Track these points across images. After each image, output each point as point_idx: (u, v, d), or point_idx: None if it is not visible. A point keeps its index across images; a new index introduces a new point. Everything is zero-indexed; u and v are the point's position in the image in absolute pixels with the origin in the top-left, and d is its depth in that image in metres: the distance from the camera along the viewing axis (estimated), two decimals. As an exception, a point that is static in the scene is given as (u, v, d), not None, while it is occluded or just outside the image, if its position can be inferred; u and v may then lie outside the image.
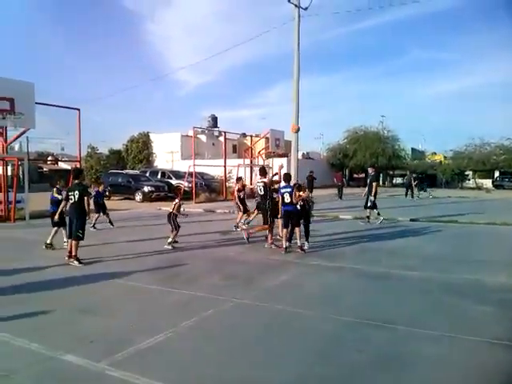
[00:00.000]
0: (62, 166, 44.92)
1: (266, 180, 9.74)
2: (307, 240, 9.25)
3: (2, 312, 4.96)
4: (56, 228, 9.44)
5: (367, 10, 62.15)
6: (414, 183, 26.37)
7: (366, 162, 40.51)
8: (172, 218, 9.58)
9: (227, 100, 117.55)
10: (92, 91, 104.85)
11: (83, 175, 10.02)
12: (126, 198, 24.25)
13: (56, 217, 9.23)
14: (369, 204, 13.48)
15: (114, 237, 10.92)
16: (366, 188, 13.92)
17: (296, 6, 15.85)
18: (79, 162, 17.97)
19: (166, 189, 24.93)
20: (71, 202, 8.00)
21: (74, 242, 7.94)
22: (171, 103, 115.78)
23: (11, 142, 16.32)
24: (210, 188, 26.11)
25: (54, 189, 9.85)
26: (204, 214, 16.97)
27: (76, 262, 7.80)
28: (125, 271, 7.12)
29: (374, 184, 13.51)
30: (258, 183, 9.62)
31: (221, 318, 4.94)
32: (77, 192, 7.92)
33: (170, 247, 9.38)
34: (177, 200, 9.89)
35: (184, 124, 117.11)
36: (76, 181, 8.23)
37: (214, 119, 49.65)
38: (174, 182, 26.51)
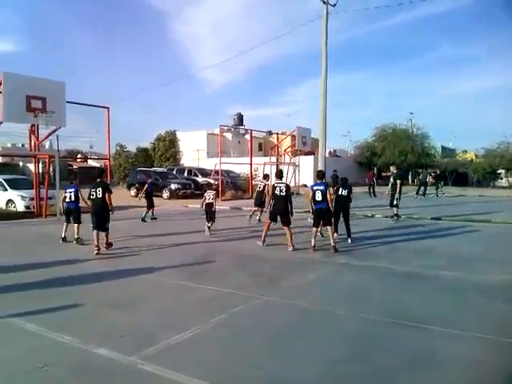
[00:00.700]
0: (91, 163, 46.04)
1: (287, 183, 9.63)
2: (349, 236, 9.68)
3: (36, 305, 5.10)
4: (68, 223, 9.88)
5: (396, 6, 60.94)
6: (430, 180, 25.79)
7: (395, 160, 39.72)
8: (214, 209, 11.00)
9: (253, 98, 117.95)
10: (121, 91, 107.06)
11: (105, 175, 10.67)
12: (153, 196, 24.60)
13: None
14: (395, 202, 13.50)
15: (142, 232, 11.09)
16: (389, 186, 13.80)
17: (324, 2, 15.72)
18: (108, 159, 18.33)
19: (192, 186, 25.19)
20: (93, 198, 8.75)
21: (103, 233, 8.74)
22: (198, 102, 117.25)
23: (43, 140, 16.77)
24: (235, 186, 26.22)
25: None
26: (230, 211, 17.02)
27: (105, 249, 8.70)
28: (154, 267, 7.21)
29: (399, 182, 13.43)
30: (278, 184, 9.10)
31: (249, 315, 4.92)
32: (100, 189, 8.73)
33: (208, 234, 10.70)
34: (213, 191, 11.26)
35: (210, 122, 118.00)
36: (98, 179, 9.00)
37: (240, 117, 49.75)
38: (200, 179, 26.74)
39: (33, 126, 14.80)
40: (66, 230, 9.83)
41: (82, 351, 3.82)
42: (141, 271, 6.92)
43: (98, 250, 8.46)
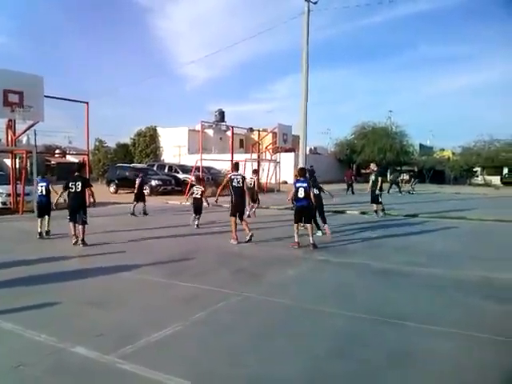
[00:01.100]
0: (70, 159, 45.13)
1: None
2: (325, 222, 10.22)
3: (13, 304, 4.99)
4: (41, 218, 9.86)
5: (376, 4, 61.58)
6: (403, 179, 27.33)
7: (374, 157, 40.34)
8: (200, 203, 11.71)
9: (234, 95, 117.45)
10: (101, 86, 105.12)
11: (84, 169, 10.83)
12: (133, 192, 24.29)
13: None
14: (379, 199, 13.98)
15: (123, 228, 10.95)
16: (370, 183, 14.17)
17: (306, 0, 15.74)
18: (87, 155, 18.01)
19: (173, 183, 25.00)
20: (72, 191, 8.73)
21: (81, 227, 8.71)
22: (179, 98, 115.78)
23: (20, 135, 16.38)
24: (216, 182, 26.09)
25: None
26: (210, 208, 16.91)
27: (81, 245, 8.65)
28: (135, 264, 7.13)
29: (380, 179, 13.97)
30: (235, 176, 9.44)
31: (229, 312, 4.93)
32: (79, 183, 8.76)
33: (195, 225, 11.40)
34: (202, 188, 12.09)
35: (191, 119, 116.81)
36: (77, 173, 8.99)
37: (221, 114, 49.61)
38: (181, 176, 26.54)
39: (10, 120, 14.44)
40: (41, 226, 9.75)
41: (59, 350, 3.75)
42: (121, 268, 6.84)
43: (77, 239, 8.66)
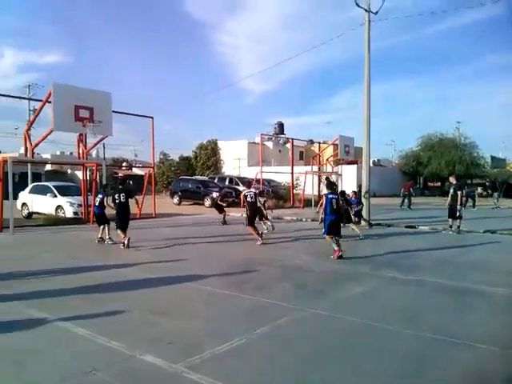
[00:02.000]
0: (136, 171, 47.38)
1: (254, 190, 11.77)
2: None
3: (84, 310, 5.21)
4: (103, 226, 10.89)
5: (441, 12, 59.29)
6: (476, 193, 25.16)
7: (442, 170, 38.36)
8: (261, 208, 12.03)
9: (293, 107, 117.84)
10: (163, 101, 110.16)
11: (128, 182, 12.01)
12: (195, 204, 25.00)
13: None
14: (457, 214, 12.90)
15: (186, 238, 11.21)
16: (449, 197, 13.21)
17: (366, 10, 15.38)
18: (152, 167, 18.81)
19: (233, 195, 25.37)
20: (118, 201, 9.95)
21: (120, 231, 9.89)
22: (238, 111, 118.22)
23: (91, 149, 17.43)
24: (276, 195, 26.12)
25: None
26: (271, 221, 16.88)
27: (122, 246, 9.84)
28: (197, 274, 7.22)
29: (459, 193, 12.90)
30: (249, 192, 11.26)
31: (294, 327, 4.79)
32: (123, 194, 9.98)
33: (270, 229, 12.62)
34: (261, 199, 12.22)
35: (250, 131, 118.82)
36: (120, 186, 10.32)
37: (281, 126, 49.84)
38: (241, 188, 26.87)
39: (81, 135, 15.37)
40: (101, 233, 10.77)
41: (129, 357, 3.82)
42: (184, 278, 6.94)
43: (127, 243, 9.75)
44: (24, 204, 17.44)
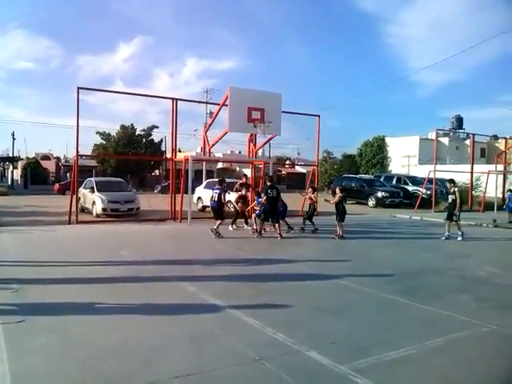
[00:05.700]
0: (298, 169, 48.86)
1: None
2: None
3: (252, 300, 5.52)
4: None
5: None
6: None
7: None
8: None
9: (474, 99, 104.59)
10: (329, 97, 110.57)
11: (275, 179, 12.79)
12: (357, 203, 24.38)
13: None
14: None
15: (347, 239, 11.02)
16: None
17: None
18: (316, 166, 18.99)
19: (401, 195, 23.96)
20: (270, 196, 10.97)
21: (276, 224, 10.99)
22: (408, 105, 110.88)
23: (260, 148, 18.51)
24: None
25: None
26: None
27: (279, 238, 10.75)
28: (359, 274, 7.04)
29: None
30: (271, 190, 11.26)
31: (473, 344, 4.23)
32: (274, 190, 11.14)
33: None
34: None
35: (420, 127, 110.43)
36: (269, 183, 11.51)
37: (459, 120, 44.98)
38: (410, 188, 25.23)
39: (251, 134, 16.44)
40: (231, 226, 11.92)
41: (295, 351, 3.88)
42: (343, 277, 6.79)
43: (258, 232, 11.01)
44: (199, 198, 19.44)
